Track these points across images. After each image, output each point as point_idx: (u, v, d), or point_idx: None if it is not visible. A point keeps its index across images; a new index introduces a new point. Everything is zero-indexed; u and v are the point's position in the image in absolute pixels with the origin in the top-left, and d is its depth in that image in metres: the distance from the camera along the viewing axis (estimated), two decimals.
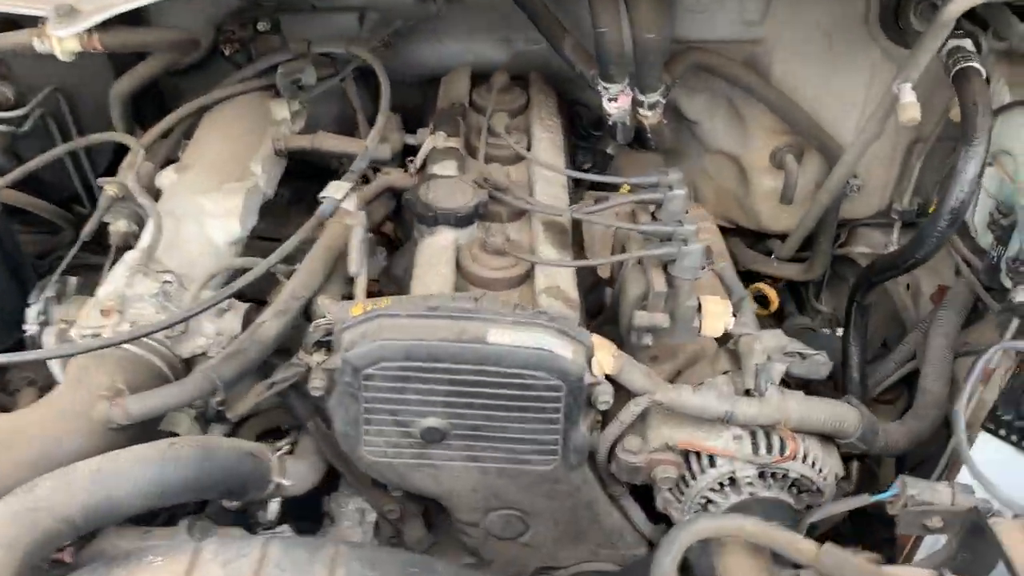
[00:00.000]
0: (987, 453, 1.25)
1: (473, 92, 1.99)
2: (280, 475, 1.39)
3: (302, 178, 1.89)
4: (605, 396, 1.39)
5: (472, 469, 1.44)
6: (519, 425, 1.38)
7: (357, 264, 1.38)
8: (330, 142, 1.72)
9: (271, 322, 1.33)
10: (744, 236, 2.45)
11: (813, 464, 1.44)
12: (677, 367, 1.64)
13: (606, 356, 1.38)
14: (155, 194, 1.57)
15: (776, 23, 1.93)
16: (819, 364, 1.53)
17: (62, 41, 1.37)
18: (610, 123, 1.89)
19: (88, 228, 1.53)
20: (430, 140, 1.73)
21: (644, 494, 1.54)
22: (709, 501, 1.48)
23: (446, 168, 1.66)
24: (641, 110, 1.87)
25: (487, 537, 1.57)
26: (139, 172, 1.55)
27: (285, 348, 1.41)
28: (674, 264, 1.42)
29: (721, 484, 1.45)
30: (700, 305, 1.49)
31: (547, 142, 1.84)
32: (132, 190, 1.52)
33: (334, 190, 1.39)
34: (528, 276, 1.51)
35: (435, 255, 1.51)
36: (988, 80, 1.58)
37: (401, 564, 1.13)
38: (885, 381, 1.96)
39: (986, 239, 1.84)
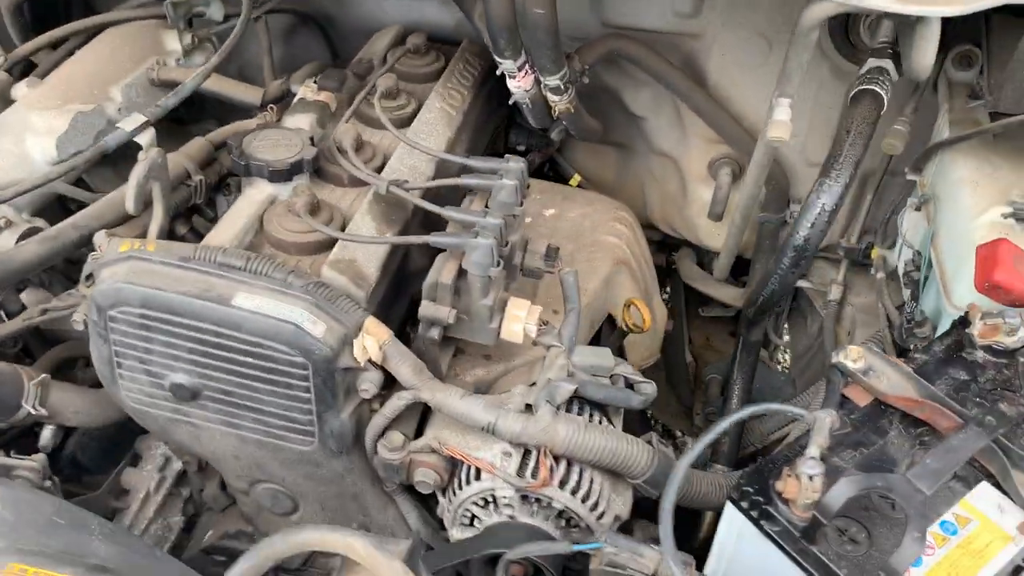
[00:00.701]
0: (734, 525, 1.08)
1: (390, 52, 1.90)
2: (34, 401, 1.36)
3: None
4: (368, 384, 1.30)
5: (230, 435, 1.37)
6: (270, 399, 1.30)
7: (132, 202, 1.32)
8: (209, 81, 1.66)
9: (31, 246, 1.30)
10: (699, 250, 2.27)
11: (585, 499, 1.30)
12: (508, 369, 1.52)
13: (372, 342, 1.28)
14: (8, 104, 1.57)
15: (713, 20, 1.74)
16: (629, 395, 1.38)
17: None
18: (511, 102, 1.76)
19: None
20: (302, 91, 1.66)
21: None
22: (475, 516, 1.36)
23: (299, 120, 1.58)
24: (548, 94, 1.73)
25: (259, 508, 1.50)
26: None
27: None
28: (465, 257, 1.30)
29: (485, 500, 1.34)
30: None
31: (437, 113, 1.73)
32: None
33: (128, 122, 1.34)
34: (331, 245, 1.42)
35: (241, 208, 1.44)
36: (882, 107, 1.37)
37: (49, 511, 1.07)
38: (774, 432, 1.77)
39: (906, 293, 1.63)
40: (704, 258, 2.25)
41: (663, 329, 2.06)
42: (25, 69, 1.76)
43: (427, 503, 1.49)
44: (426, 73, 1.85)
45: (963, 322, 1.25)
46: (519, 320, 1.37)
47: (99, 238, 1.32)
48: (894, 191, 1.83)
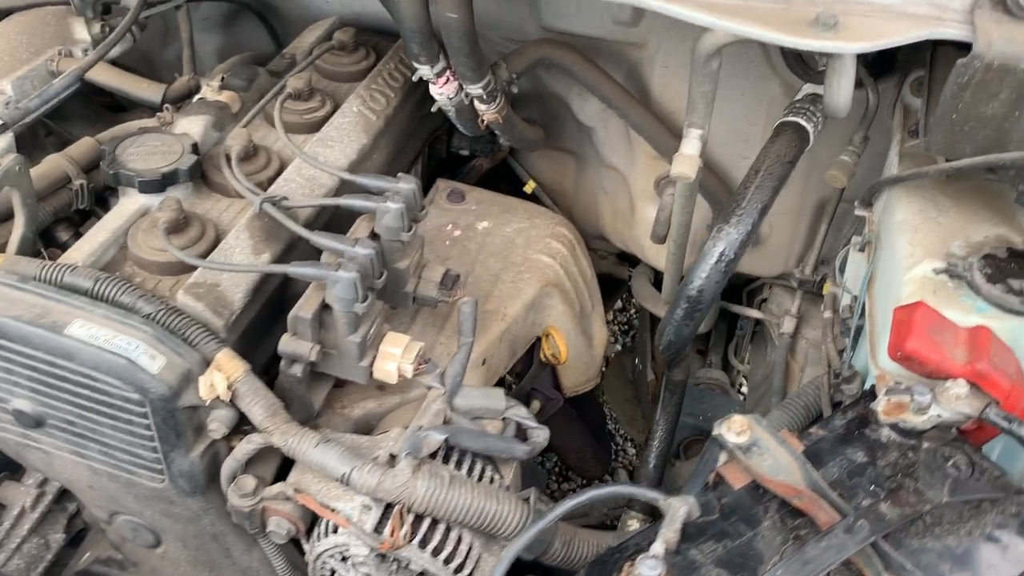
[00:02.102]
0: None
1: (316, 48, 1.78)
2: None
3: None
4: (216, 423, 1.20)
5: (80, 464, 1.28)
6: (112, 432, 1.20)
7: None
8: (104, 75, 1.56)
9: None
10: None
11: (448, 560, 1.19)
12: (404, 401, 1.41)
13: (221, 379, 1.18)
14: None
15: (656, 29, 1.59)
16: (512, 446, 1.26)
17: None
18: (434, 109, 1.63)
19: None
20: (204, 90, 1.55)
21: None
22: (334, 571, 1.26)
23: (191, 123, 1.47)
24: (474, 102, 1.60)
25: (122, 539, 1.41)
26: None
27: None
28: (328, 290, 1.19)
29: (343, 556, 1.23)
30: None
31: (353, 118, 1.61)
32: None
33: None
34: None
35: (108, 220, 1.33)
36: (806, 141, 1.22)
37: None
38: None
39: (843, 341, 1.49)
40: (660, 275, 2.10)
41: (602, 352, 1.94)
42: None
43: (297, 546, 1.39)
44: (351, 72, 1.73)
45: (871, 393, 1.11)
46: (393, 359, 1.25)
47: None
48: (851, 221, 1.68)
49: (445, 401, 1.26)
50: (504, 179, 2.18)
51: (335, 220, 1.41)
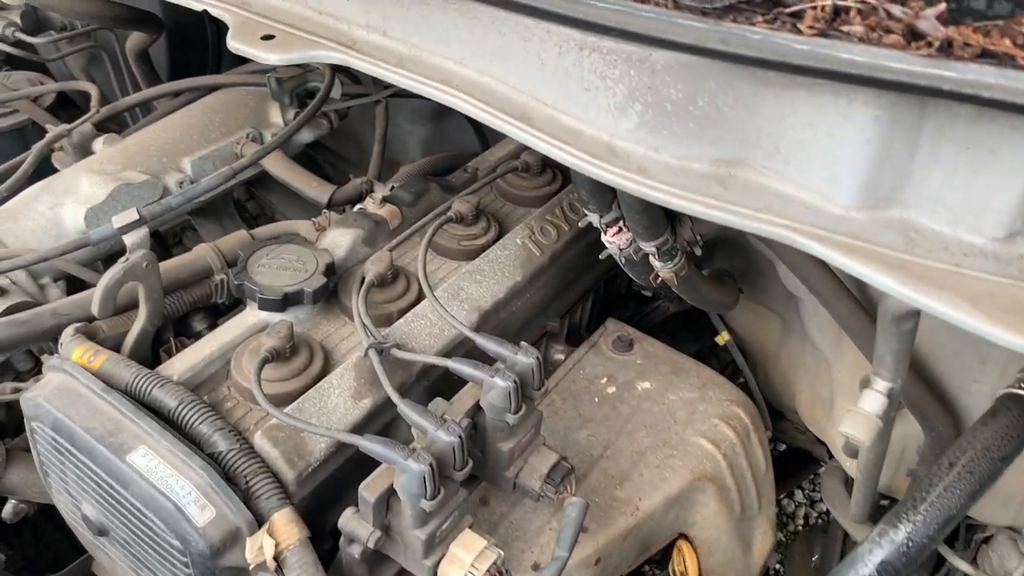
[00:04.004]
0: None
1: (501, 166, 1.65)
2: None
3: None
4: None
5: None
6: (160, 567, 1.12)
7: (98, 306, 1.20)
8: (277, 167, 1.53)
9: None
10: None
11: None
12: None
13: (271, 544, 1.06)
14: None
15: None
16: None
17: None
18: (602, 256, 1.44)
19: (29, 160, 1.54)
20: (366, 201, 1.47)
21: None
22: None
23: (342, 236, 1.39)
24: (649, 257, 1.39)
25: None
26: (80, 131, 1.51)
27: None
28: (395, 477, 1.03)
29: None
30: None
31: (514, 250, 1.46)
32: (64, 144, 1.49)
33: (120, 217, 1.22)
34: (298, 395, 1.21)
35: (222, 332, 1.27)
36: None
37: None
38: None
39: None
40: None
41: (761, 563, 1.62)
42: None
43: None
44: (530, 196, 1.58)
45: None
46: (461, 565, 1.07)
47: (65, 334, 1.22)
48: None
49: None
50: (694, 324, 1.94)
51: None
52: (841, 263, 0.70)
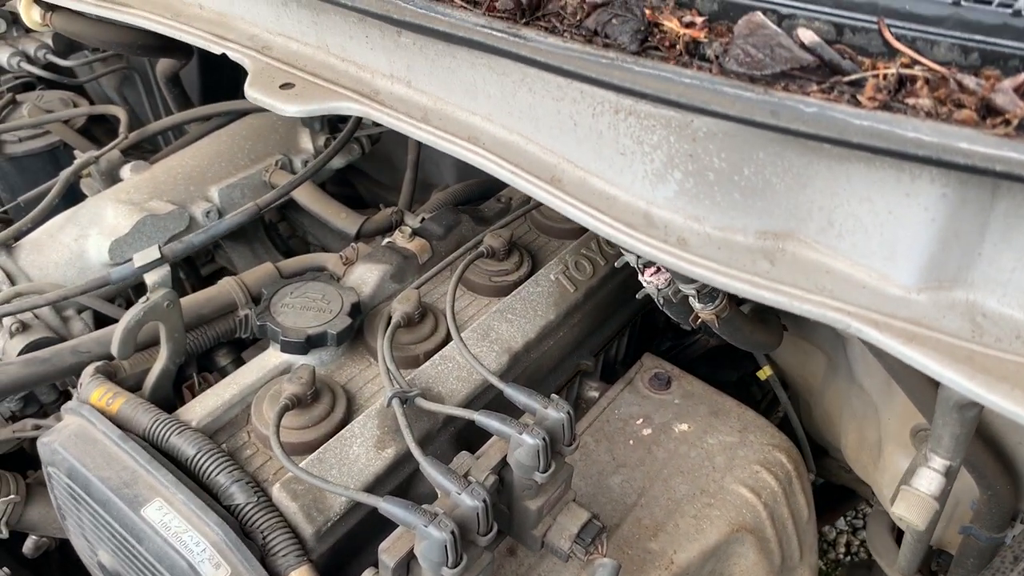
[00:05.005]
0: None
1: None
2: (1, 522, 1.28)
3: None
4: None
5: None
6: None
7: (117, 347, 1.17)
8: (307, 197, 1.49)
9: (12, 367, 1.19)
10: None
11: None
12: None
13: None
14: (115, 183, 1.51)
15: None
16: None
17: (28, 10, 1.35)
18: (639, 296, 1.37)
19: (55, 189, 1.52)
20: (396, 234, 1.42)
21: None
22: None
23: (369, 272, 1.35)
24: (689, 298, 1.33)
25: None
26: (108, 157, 1.49)
27: None
28: (416, 542, 0.98)
29: None
30: None
31: (547, 287, 1.40)
32: (91, 171, 1.47)
33: (142, 256, 1.18)
34: (319, 445, 1.17)
35: (243, 375, 1.23)
36: None
37: None
38: None
39: None
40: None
41: None
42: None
43: None
44: (565, 229, 1.52)
45: None
46: None
47: (85, 374, 1.20)
48: None
49: None
50: (735, 353, 1.86)
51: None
52: (901, 353, 0.64)
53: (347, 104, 0.95)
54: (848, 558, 2.99)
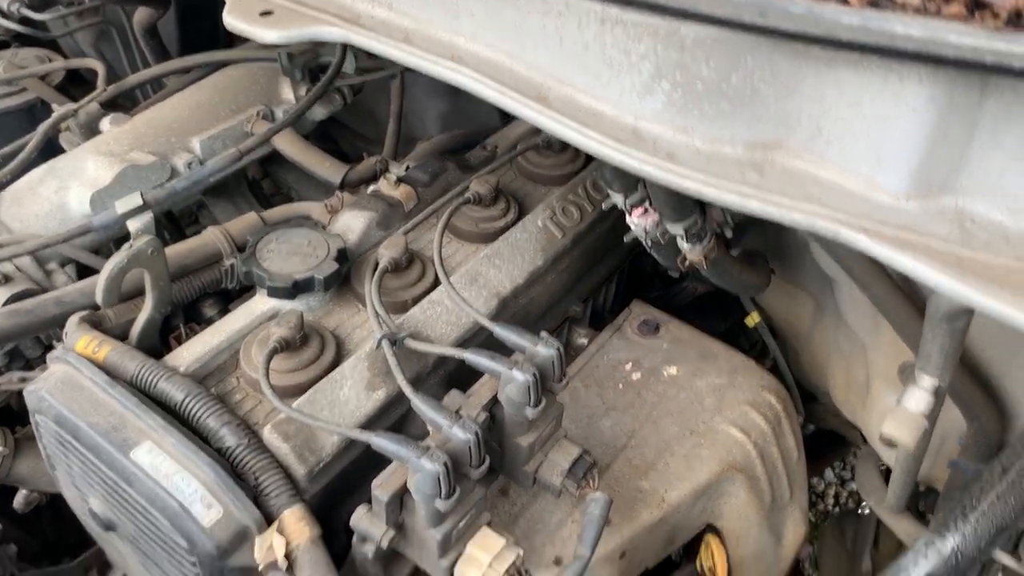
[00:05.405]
0: None
1: (522, 142, 1.58)
2: None
3: None
4: None
5: None
6: (169, 566, 1.09)
7: (101, 295, 1.16)
8: (288, 146, 1.47)
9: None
10: None
11: None
12: None
13: (281, 543, 1.02)
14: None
15: None
16: None
17: None
18: (627, 239, 1.37)
19: (33, 142, 1.49)
20: (381, 182, 1.41)
21: None
22: None
23: (355, 219, 1.34)
24: (677, 239, 1.33)
25: None
26: (87, 110, 1.47)
27: None
28: (409, 475, 0.98)
29: None
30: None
31: (534, 233, 1.39)
32: (70, 124, 1.45)
33: (124, 202, 1.17)
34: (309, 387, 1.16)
35: (232, 321, 1.22)
36: None
37: None
38: None
39: None
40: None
41: (793, 554, 1.57)
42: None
43: None
44: (552, 175, 1.51)
45: None
46: (478, 566, 1.02)
47: (70, 323, 1.18)
48: None
49: None
50: (723, 302, 1.87)
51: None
52: (891, 259, 0.64)
53: (328, 29, 0.94)
54: (836, 509, 3.03)
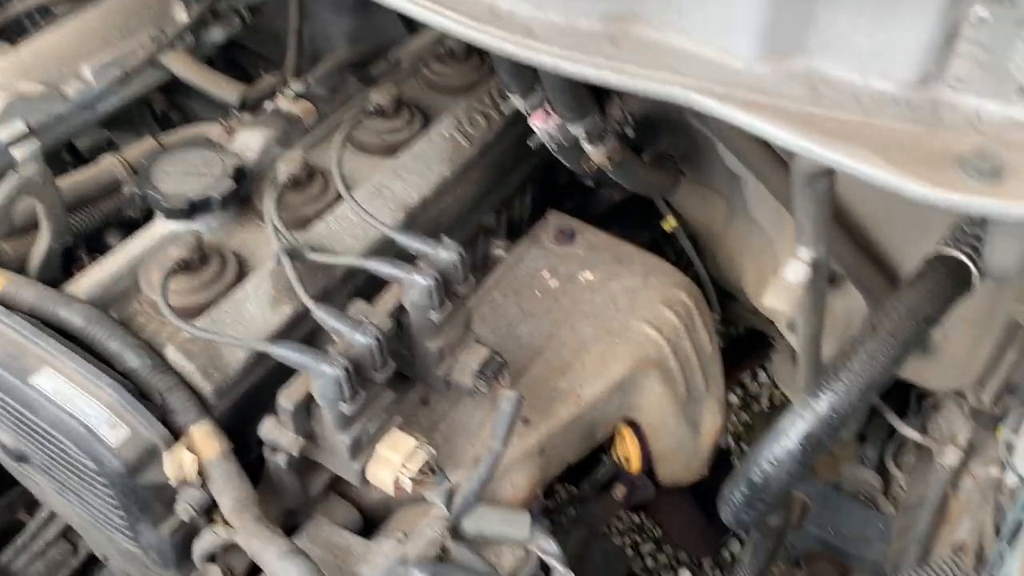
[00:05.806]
0: None
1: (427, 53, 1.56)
2: None
3: None
4: (185, 505, 1.05)
5: (67, 506, 1.19)
6: (82, 489, 1.09)
7: None
8: (182, 68, 1.43)
9: None
10: None
11: None
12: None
13: (190, 459, 1.02)
14: None
15: None
16: None
17: None
18: (531, 144, 1.37)
19: None
20: (279, 98, 1.38)
21: None
22: None
23: (253, 137, 1.31)
24: (580, 140, 1.33)
25: None
26: None
27: None
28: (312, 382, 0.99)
29: None
30: None
31: (440, 144, 1.39)
32: None
33: (6, 129, 1.13)
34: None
35: (130, 246, 1.21)
36: None
37: None
38: None
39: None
40: None
41: (711, 443, 1.62)
42: None
43: None
44: (457, 85, 1.50)
45: None
46: (390, 466, 1.04)
47: None
48: None
49: (446, 526, 1.03)
50: (644, 212, 1.89)
51: None
52: (741, 121, 0.65)
53: None
54: (771, 410, 3.12)
